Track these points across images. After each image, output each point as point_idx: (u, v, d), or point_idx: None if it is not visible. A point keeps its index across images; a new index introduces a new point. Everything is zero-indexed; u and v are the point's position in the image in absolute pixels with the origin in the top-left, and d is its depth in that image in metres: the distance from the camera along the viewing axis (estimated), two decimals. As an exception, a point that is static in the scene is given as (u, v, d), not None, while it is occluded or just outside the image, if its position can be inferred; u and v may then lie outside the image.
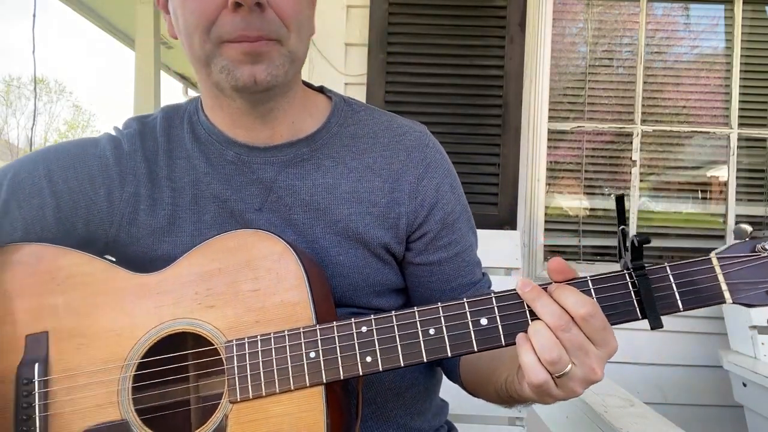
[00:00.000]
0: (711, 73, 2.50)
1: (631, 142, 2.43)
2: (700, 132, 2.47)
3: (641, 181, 2.45)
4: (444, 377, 0.88)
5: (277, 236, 0.65)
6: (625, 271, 0.58)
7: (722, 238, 2.41)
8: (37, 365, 0.64)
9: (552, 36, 2.37)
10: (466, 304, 0.59)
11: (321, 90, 0.83)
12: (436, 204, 0.76)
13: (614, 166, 2.48)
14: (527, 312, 0.58)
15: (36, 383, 0.63)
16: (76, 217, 0.72)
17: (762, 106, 2.46)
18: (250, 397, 0.60)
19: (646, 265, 0.57)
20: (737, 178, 2.43)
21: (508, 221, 2.23)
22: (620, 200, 0.60)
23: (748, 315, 1.92)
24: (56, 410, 0.63)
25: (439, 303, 0.60)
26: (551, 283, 0.58)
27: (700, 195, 2.54)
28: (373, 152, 0.76)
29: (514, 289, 0.58)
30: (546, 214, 2.38)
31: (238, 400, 0.60)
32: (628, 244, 0.58)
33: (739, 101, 2.43)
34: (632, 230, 2.42)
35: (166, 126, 0.77)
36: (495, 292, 0.60)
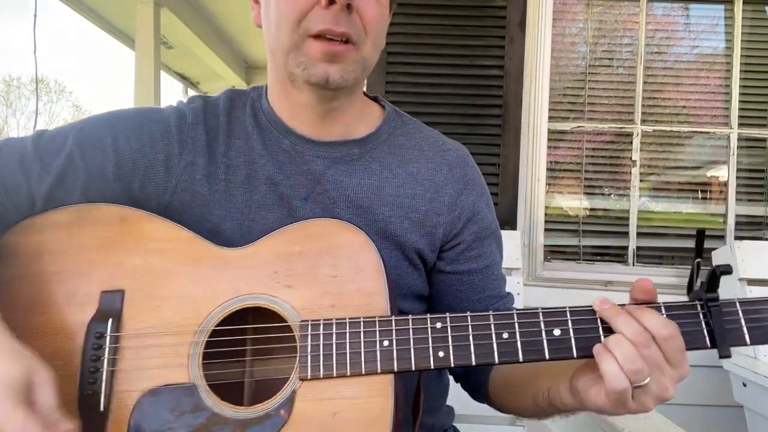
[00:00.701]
0: (711, 73, 2.50)
1: (631, 142, 2.43)
2: (700, 132, 2.47)
3: (641, 181, 2.45)
4: (449, 385, 0.89)
5: (360, 229, 0.68)
6: (698, 302, 0.61)
7: (722, 238, 2.41)
8: (110, 320, 0.64)
9: (552, 36, 2.37)
10: (540, 313, 0.61)
11: (375, 99, 0.87)
12: (472, 218, 0.81)
13: (614, 166, 2.48)
14: (600, 328, 0.60)
15: (108, 338, 0.64)
16: (133, 177, 0.74)
17: (762, 106, 2.46)
18: (320, 376, 0.61)
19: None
20: (737, 178, 2.43)
21: (508, 221, 2.23)
22: (701, 234, 0.61)
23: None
24: (123, 367, 0.63)
25: (515, 309, 0.62)
26: (625, 304, 0.61)
27: (700, 195, 2.54)
28: (418, 163, 0.80)
29: (589, 306, 0.61)
30: (546, 214, 2.38)
31: (309, 377, 0.61)
32: (701, 278, 0.60)
33: (739, 101, 2.43)
34: (632, 231, 2.42)
35: (228, 106, 0.81)
36: (569, 307, 0.62)
